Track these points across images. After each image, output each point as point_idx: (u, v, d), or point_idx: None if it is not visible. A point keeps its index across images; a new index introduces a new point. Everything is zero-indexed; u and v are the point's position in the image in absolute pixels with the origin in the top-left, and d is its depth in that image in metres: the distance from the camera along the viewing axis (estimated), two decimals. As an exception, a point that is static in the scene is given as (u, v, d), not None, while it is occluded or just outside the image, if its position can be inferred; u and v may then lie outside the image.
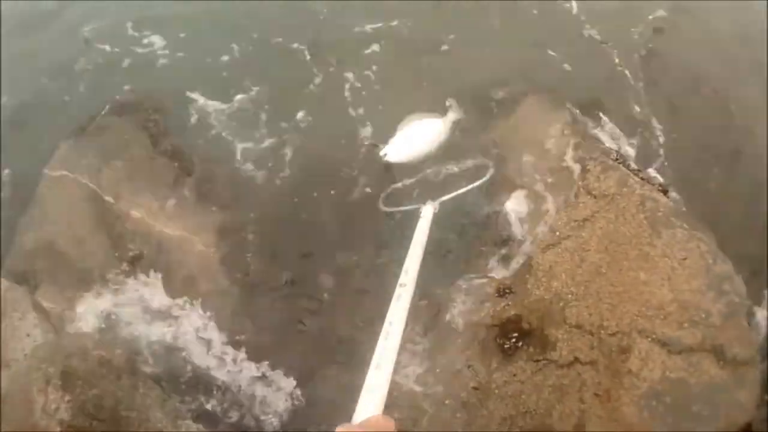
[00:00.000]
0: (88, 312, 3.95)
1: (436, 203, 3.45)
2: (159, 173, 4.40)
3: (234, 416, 3.43)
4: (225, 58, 5.63)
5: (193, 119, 4.91)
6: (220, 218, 4.23)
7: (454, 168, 4.18)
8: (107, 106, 4.82)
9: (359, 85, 5.19)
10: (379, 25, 5.70)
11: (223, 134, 4.82)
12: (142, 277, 4.07)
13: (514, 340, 3.52)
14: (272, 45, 5.66)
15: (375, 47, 5.51)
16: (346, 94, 5.13)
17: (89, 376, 2.82)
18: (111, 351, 3.02)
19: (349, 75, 5.26)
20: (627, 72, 5.05)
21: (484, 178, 3.86)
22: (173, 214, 4.25)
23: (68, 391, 2.70)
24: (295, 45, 5.62)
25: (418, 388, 3.54)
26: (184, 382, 3.50)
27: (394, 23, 5.66)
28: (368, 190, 4.38)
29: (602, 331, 3.45)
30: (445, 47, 5.40)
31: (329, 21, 5.83)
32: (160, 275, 4.06)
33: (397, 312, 2.04)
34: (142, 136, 4.55)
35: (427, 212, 3.31)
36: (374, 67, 5.28)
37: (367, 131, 4.72)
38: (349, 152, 4.53)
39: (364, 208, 4.23)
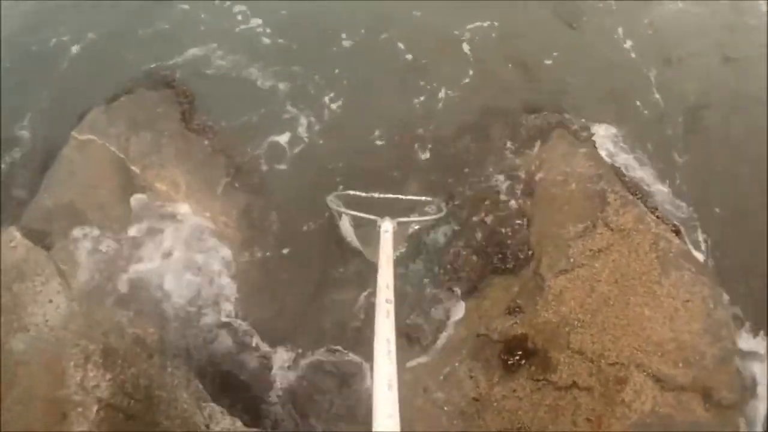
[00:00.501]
0: (104, 278, 4.08)
1: (395, 222, 3.71)
2: (188, 150, 4.58)
3: (253, 399, 3.68)
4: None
5: (236, 101, 5.02)
6: (244, 201, 4.43)
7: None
8: (142, 78, 4.85)
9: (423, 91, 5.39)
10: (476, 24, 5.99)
11: (263, 119, 4.92)
12: (163, 249, 4.24)
13: (517, 357, 3.82)
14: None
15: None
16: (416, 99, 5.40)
17: (127, 354, 3.04)
18: (145, 329, 3.26)
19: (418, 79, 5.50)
20: (663, 111, 5.21)
21: (441, 214, 4.30)
22: (198, 191, 4.48)
23: (109, 369, 2.94)
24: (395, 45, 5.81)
25: (418, 392, 3.82)
26: (203, 361, 3.74)
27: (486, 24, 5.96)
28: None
29: (602, 360, 3.75)
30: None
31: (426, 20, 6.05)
32: (180, 250, 4.25)
33: (392, 328, 2.20)
34: (175, 112, 4.68)
35: (387, 226, 3.59)
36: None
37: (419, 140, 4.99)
38: (387, 158, 4.68)
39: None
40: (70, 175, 4.57)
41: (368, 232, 4.16)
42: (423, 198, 4.51)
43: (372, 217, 3.87)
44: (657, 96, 5.44)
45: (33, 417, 3.08)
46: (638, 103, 5.40)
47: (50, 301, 3.63)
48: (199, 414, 3.25)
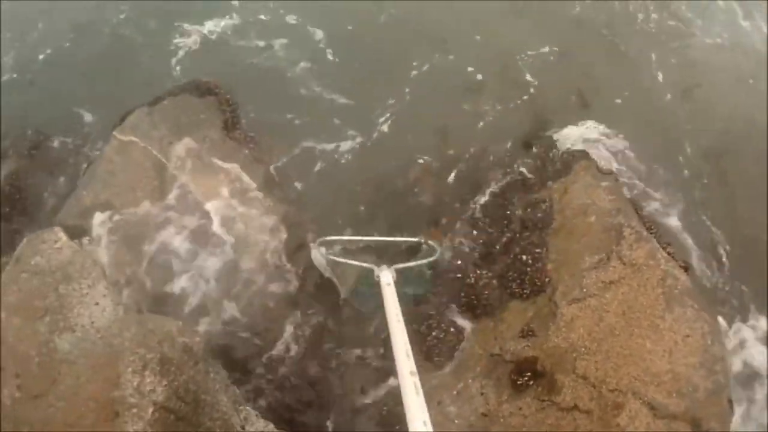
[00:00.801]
0: (142, 280, 4.48)
1: (392, 269, 3.65)
2: (229, 158, 4.88)
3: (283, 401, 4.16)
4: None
5: (280, 112, 5.36)
6: (281, 211, 4.79)
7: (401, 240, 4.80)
8: (186, 82, 5.17)
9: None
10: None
11: (307, 133, 5.31)
12: (199, 254, 4.63)
13: (526, 378, 4.32)
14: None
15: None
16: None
17: (179, 362, 3.50)
18: (192, 338, 3.72)
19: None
20: (688, 147, 5.55)
21: (436, 256, 4.47)
22: (237, 199, 4.82)
23: (165, 376, 3.41)
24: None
25: (432, 405, 4.28)
26: (239, 365, 4.20)
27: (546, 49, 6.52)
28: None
29: (603, 386, 4.24)
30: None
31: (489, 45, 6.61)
32: (216, 256, 4.67)
33: (424, 406, 2.13)
34: (217, 119, 5.01)
35: (388, 277, 3.50)
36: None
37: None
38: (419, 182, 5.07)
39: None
40: (110, 175, 4.93)
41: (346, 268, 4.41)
42: (413, 239, 4.69)
43: (367, 265, 3.94)
44: (683, 132, 5.76)
45: (79, 413, 3.50)
46: (664, 136, 5.75)
47: (96, 304, 4.02)
48: (236, 416, 3.77)
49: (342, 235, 4.82)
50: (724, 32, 7.02)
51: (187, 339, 3.73)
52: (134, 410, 3.39)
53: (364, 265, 4.02)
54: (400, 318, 2.81)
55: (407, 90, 5.93)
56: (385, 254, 4.57)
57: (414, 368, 2.29)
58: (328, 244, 4.65)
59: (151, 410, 3.34)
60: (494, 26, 6.66)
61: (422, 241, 4.72)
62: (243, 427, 3.79)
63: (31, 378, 3.72)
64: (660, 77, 6.36)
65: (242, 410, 3.83)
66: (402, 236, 4.75)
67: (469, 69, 6.19)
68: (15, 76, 6.40)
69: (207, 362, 3.82)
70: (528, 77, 6.18)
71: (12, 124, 5.68)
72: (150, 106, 5.13)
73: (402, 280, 3.78)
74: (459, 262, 4.67)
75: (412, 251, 4.81)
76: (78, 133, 5.50)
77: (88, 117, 5.57)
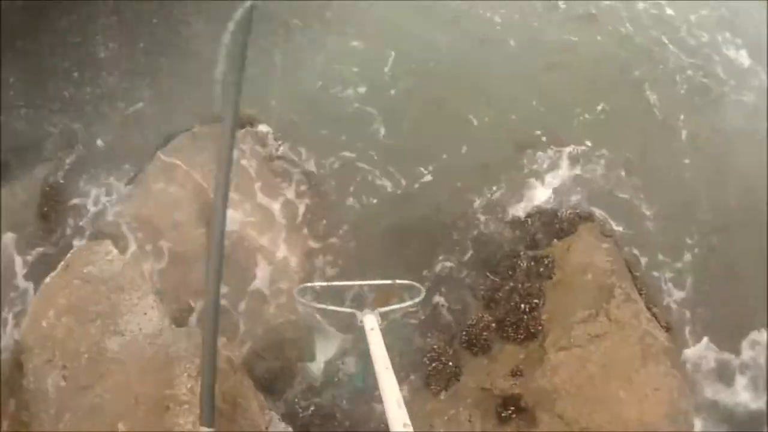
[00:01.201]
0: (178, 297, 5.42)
1: (376, 312, 3.67)
2: (268, 188, 5.77)
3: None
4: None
5: (322, 147, 6.37)
6: (309, 246, 5.67)
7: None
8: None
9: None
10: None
11: (346, 174, 6.36)
12: (234, 275, 5.58)
13: (510, 411, 5.34)
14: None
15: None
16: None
17: (225, 371, 4.52)
18: (232, 351, 4.73)
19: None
20: (694, 213, 6.37)
21: (421, 297, 4.56)
22: (274, 228, 5.74)
23: (216, 382, 4.36)
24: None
25: (425, 427, 5.27)
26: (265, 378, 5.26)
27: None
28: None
29: (576, 426, 5.20)
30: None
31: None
32: (251, 280, 5.61)
33: None
34: (260, 150, 5.83)
35: (372, 321, 3.51)
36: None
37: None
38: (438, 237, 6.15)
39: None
40: (151, 193, 5.78)
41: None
42: (392, 281, 4.77)
43: (349, 310, 4.12)
44: (695, 198, 6.61)
45: (128, 404, 4.37)
46: (677, 200, 6.68)
47: (145, 314, 4.98)
48: (262, 418, 4.80)
49: (320, 280, 5.42)
50: (751, 94, 7.68)
51: (229, 353, 4.76)
52: (186, 406, 4.44)
53: (346, 310, 4.28)
54: (389, 365, 2.73)
55: (464, 146, 6.68)
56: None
57: (407, 419, 2.24)
58: (308, 291, 4.95)
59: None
60: (553, 82, 7.38)
61: (404, 282, 4.71)
62: (267, 427, 4.84)
63: (80, 370, 4.55)
64: (683, 135, 7.07)
65: (267, 413, 4.86)
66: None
67: (536, 132, 6.88)
68: (75, 73, 7.30)
69: (242, 372, 4.85)
70: (580, 138, 6.91)
71: (55, 123, 6.46)
72: (194, 131, 5.97)
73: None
74: (465, 305, 5.62)
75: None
76: (122, 142, 6.37)
77: (133, 127, 6.42)
